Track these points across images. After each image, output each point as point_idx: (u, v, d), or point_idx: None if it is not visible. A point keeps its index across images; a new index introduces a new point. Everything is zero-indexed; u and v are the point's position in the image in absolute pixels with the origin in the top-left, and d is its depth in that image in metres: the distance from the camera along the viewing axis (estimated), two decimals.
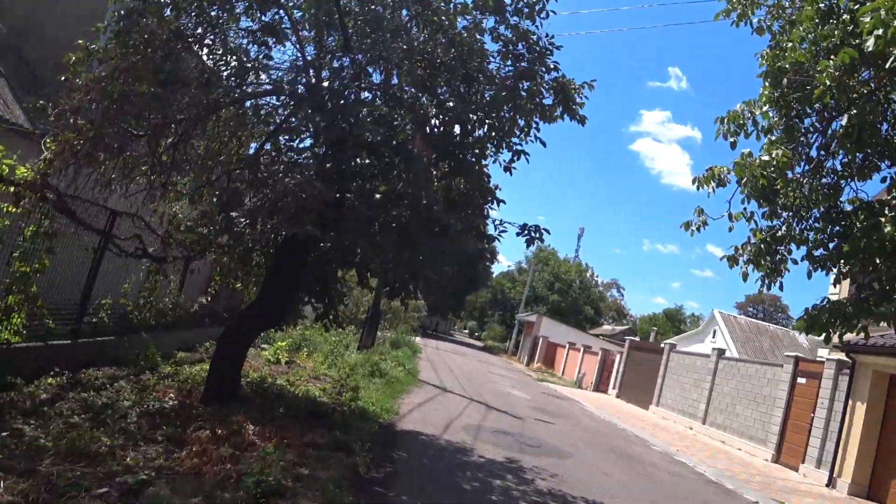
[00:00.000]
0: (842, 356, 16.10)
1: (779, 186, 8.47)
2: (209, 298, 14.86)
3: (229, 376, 9.25)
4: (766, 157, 7.98)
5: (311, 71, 8.76)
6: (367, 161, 8.32)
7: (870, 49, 6.53)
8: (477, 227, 8.16)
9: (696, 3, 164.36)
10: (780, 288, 9.18)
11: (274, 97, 9.38)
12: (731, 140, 8.81)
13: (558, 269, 63.55)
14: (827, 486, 14.85)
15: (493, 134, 8.60)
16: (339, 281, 9.74)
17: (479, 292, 79.71)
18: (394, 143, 8.11)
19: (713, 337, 41.61)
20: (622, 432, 17.27)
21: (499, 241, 8.01)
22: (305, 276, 9.03)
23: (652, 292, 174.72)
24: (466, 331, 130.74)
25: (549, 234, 7.78)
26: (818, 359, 20.89)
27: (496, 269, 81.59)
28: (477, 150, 8.33)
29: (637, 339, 32.51)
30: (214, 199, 8.89)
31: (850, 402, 15.35)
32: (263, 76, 9.10)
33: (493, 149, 8.59)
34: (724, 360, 21.95)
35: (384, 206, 7.82)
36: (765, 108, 8.65)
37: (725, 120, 8.78)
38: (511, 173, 8.47)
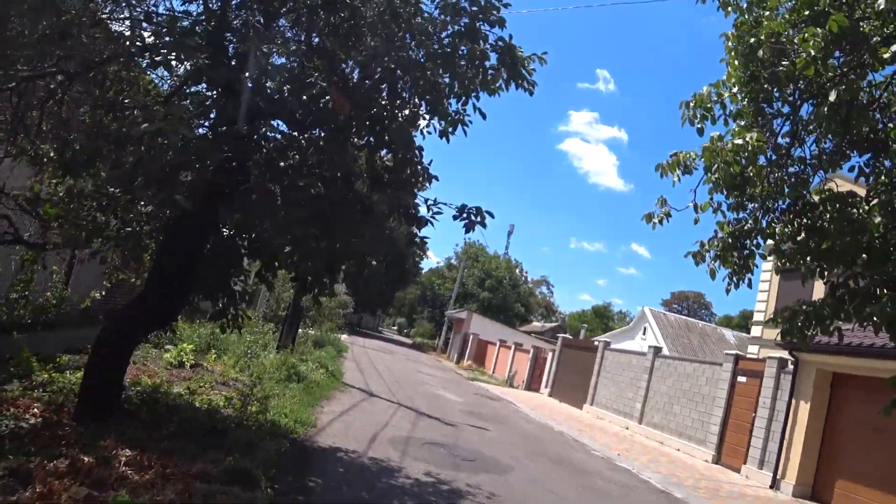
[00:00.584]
0: (783, 354, 15.60)
1: (751, 174, 7.49)
2: (104, 293, 12.90)
3: (108, 386, 7.54)
4: (738, 142, 6.93)
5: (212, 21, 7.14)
6: (276, 125, 6.80)
7: (881, 7, 5.64)
8: (406, 207, 6.71)
9: (625, 6, 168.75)
10: (749, 285, 8.31)
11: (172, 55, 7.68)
12: (698, 126, 7.81)
13: (489, 266, 62.75)
14: (771, 487, 14.26)
15: (428, 98, 7.21)
16: (244, 273, 8.12)
17: (409, 289, 78.32)
18: (310, 107, 6.65)
19: (643, 334, 41.63)
20: (560, 437, 16.25)
21: (432, 224, 6.52)
22: (202, 268, 7.42)
23: (578, 289, 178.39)
24: (395, 328, 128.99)
25: (492, 217, 6.42)
26: (751, 356, 20.54)
27: (426, 266, 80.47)
28: (407, 114, 6.90)
29: (568, 336, 31.95)
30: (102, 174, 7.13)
31: (794, 401, 14.81)
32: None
33: (427, 116, 7.21)
34: (660, 358, 21.34)
35: (294, 180, 6.33)
36: (734, 91, 7.69)
37: (691, 104, 7.77)
38: (448, 140, 7.11)
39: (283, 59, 7.38)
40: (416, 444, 10.01)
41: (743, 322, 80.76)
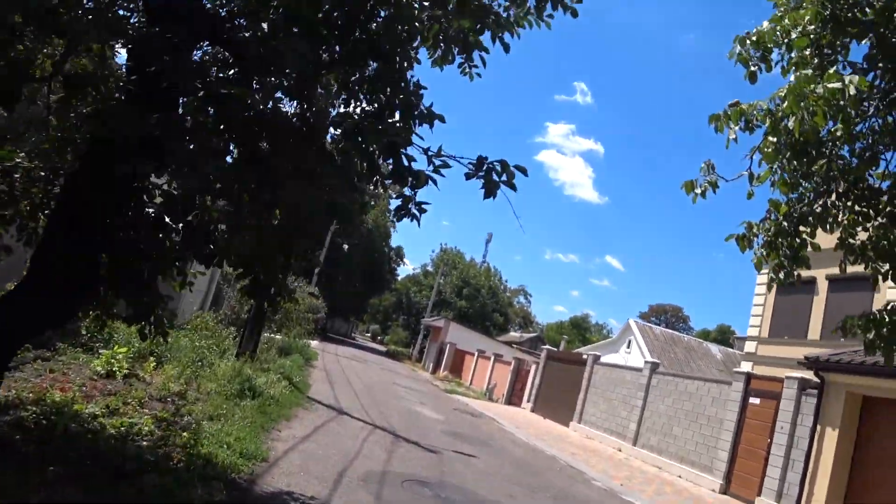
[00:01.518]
0: (805, 374, 13.96)
1: (839, 133, 5.77)
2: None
3: None
4: (835, 85, 5.05)
5: None
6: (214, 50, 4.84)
7: None
8: (397, 145, 4.62)
9: (605, 20, 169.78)
10: (797, 280, 6.65)
11: None
12: (751, 69, 6.09)
13: (466, 273, 60.91)
14: None
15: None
16: (174, 265, 6.01)
17: (384, 295, 76.18)
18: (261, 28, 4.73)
19: (628, 347, 40.08)
20: (554, 463, 14.38)
21: (434, 183, 4.31)
22: (112, 252, 5.40)
23: (553, 300, 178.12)
24: (369, 334, 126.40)
25: (525, 175, 4.42)
26: (760, 374, 18.93)
27: (402, 272, 78.46)
28: (402, 30, 4.88)
29: (552, 348, 30.16)
30: None
31: (818, 427, 13.13)
32: None
33: (426, 40, 5.24)
34: (658, 374, 19.60)
35: (232, 122, 4.38)
36: (808, 27, 5.95)
37: (747, 40, 6.04)
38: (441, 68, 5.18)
39: None
40: (395, 482, 8.02)
41: (720, 336, 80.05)
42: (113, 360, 9.45)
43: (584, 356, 25.40)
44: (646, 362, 20.52)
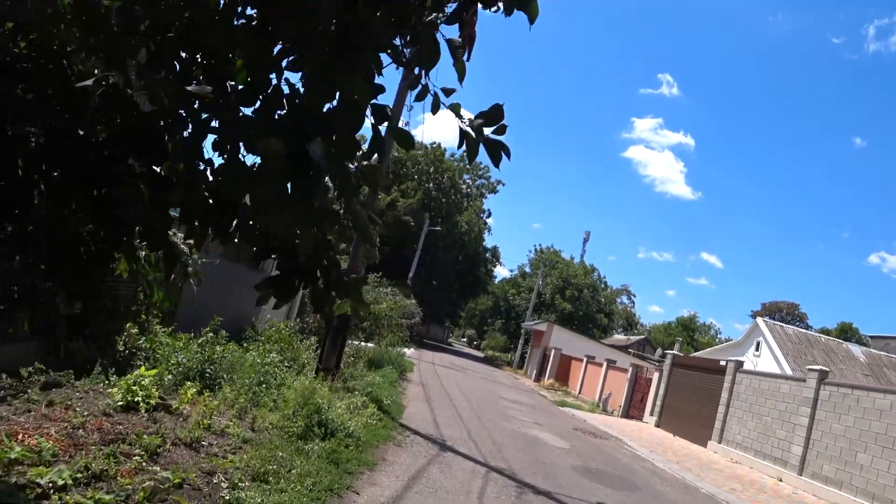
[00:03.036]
0: None
1: None
2: None
3: None
4: None
5: None
6: None
7: None
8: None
9: (688, 9, 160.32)
10: None
11: None
12: None
13: (566, 273, 57.28)
14: None
15: None
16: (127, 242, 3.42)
17: (479, 298, 73.61)
18: None
19: (756, 350, 35.51)
20: None
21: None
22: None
23: (648, 300, 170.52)
24: (465, 339, 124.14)
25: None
26: None
27: (498, 275, 75.66)
28: None
29: (678, 352, 26.34)
30: None
31: None
32: None
33: None
34: (830, 386, 15.81)
35: None
36: None
37: None
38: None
39: None
40: None
41: (841, 335, 71.98)
42: (135, 388, 7.09)
43: (723, 362, 21.68)
44: (810, 370, 16.69)
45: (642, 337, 62.95)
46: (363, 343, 19.22)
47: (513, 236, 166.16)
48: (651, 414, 25.19)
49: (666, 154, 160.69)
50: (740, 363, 20.85)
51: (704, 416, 21.00)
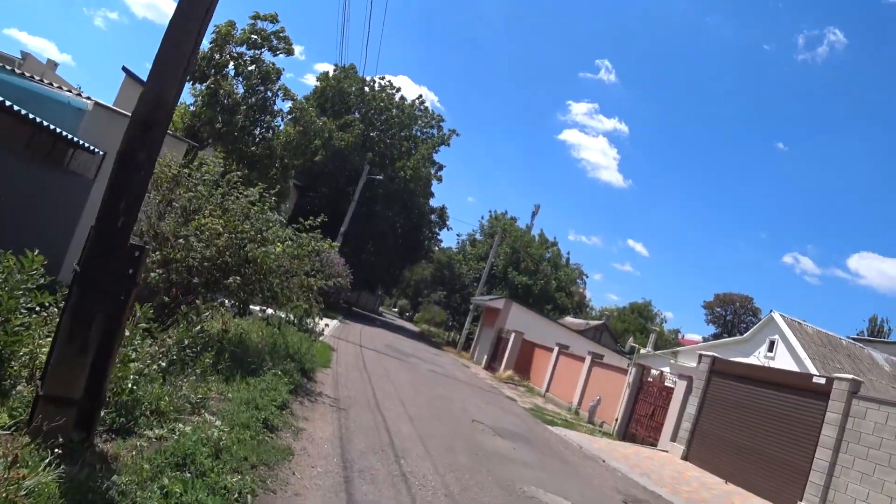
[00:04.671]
0: None
1: None
2: None
3: None
4: None
5: None
6: None
7: None
8: None
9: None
10: None
11: None
12: None
13: (522, 242, 49.13)
14: None
15: None
16: None
17: (417, 266, 64.98)
18: None
19: (770, 350, 28.46)
20: None
21: None
22: None
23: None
24: (395, 309, 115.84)
25: None
26: None
27: (444, 242, 67.26)
28: None
29: (715, 355, 18.48)
30: None
31: None
32: None
33: None
34: None
35: None
36: None
37: None
38: None
39: None
40: None
41: None
42: None
43: (818, 379, 13.93)
44: None
45: (600, 322, 55.83)
46: (263, 310, 10.33)
47: (447, 202, 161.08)
48: (673, 439, 17.41)
49: (600, 140, 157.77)
50: (856, 384, 13.08)
51: (781, 458, 13.42)
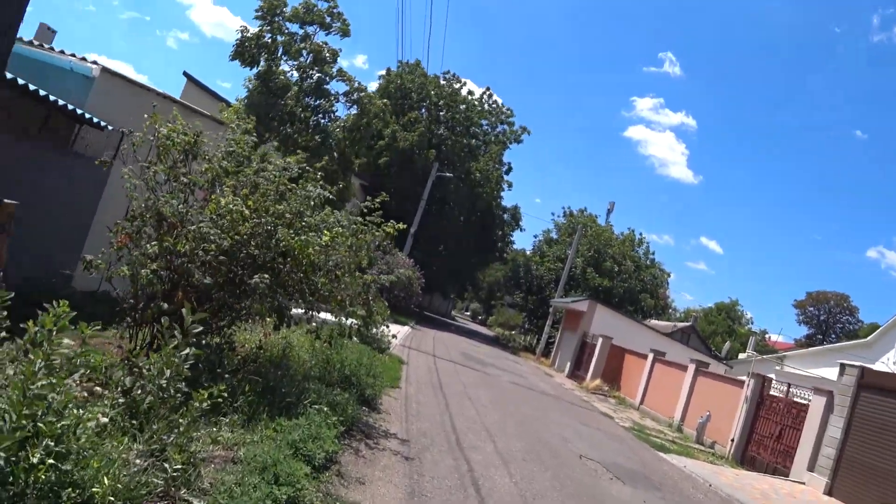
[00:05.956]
0: None
1: None
2: None
3: None
4: None
5: None
6: None
7: None
8: None
9: None
10: None
11: None
12: None
13: (602, 241, 45.81)
14: None
15: None
16: None
17: (490, 268, 62.35)
18: None
19: None
20: None
21: None
22: None
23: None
24: (468, 313, 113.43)
25: None
26: None
27: (516, 243, 64.63)
28: None
29: (862, 364, 15.42)
30: None
31: None
32: None
33: None
34: None
35: None
36: None
37: None
38: None
39: None
40: None
41: None
42: None
43: None
44: None
45: (687, 324, 51.81)
46: (323, 315, 8.11)
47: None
48: (811, 468, 14.39)
49: (667, 135, 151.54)
50: None
51: None
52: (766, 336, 77.36)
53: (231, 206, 6.18)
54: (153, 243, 5.93)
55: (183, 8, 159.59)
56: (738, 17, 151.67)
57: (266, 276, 5.87)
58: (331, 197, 7.37)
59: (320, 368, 8.44)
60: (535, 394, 18.76)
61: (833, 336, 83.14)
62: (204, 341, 6.09)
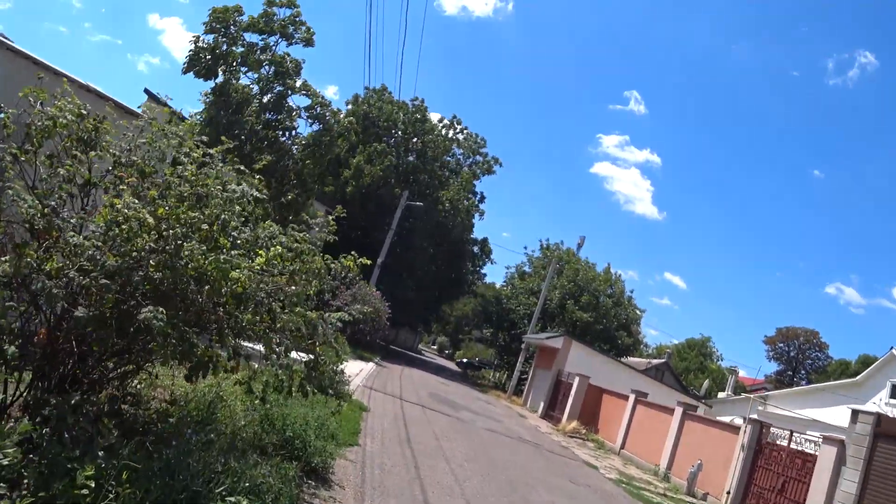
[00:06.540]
0: None
1: None
2: None
3: None
4: None
5: None
6: None
7: None
8: None
9: (655, 28, 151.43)
10: None
11: None
12: None
13: (582, 277, 44.17)
14: None
15: None
16: None
17: (458, 301, 60.57)
18: None
19: (894, 396, 23.54)
20: None
21: None
22: None
23: None
24: (435, 347, 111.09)
25: None
26: None
27: (486, 276, 63.08)
28: None
29: (872, 410, 13.90)
30: None
31: None
32: None
33: None
34: None
35: None
36: None
37: None
38: None
39: None
40: None
41: (861, 369, 61.04)
42: None
43: None
44: None
45: (662, 360, 50.55)
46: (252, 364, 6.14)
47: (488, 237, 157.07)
48: None
49: (633, 171, 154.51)
50: None
51: None
52: (737, 373, 76.76)
53: (127, 210, 4.43)
54: (4, 259, 4.12)
55: (155, 33, 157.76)
56: (701, 59, 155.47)
57: (162, 309, 4.05)
58: (262, 197, 5.56)
59: (255, 428, 6.60)
60: (513, 442, 16.91)
61: (803, 372, 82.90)
62: (74, 400, 4.25)
